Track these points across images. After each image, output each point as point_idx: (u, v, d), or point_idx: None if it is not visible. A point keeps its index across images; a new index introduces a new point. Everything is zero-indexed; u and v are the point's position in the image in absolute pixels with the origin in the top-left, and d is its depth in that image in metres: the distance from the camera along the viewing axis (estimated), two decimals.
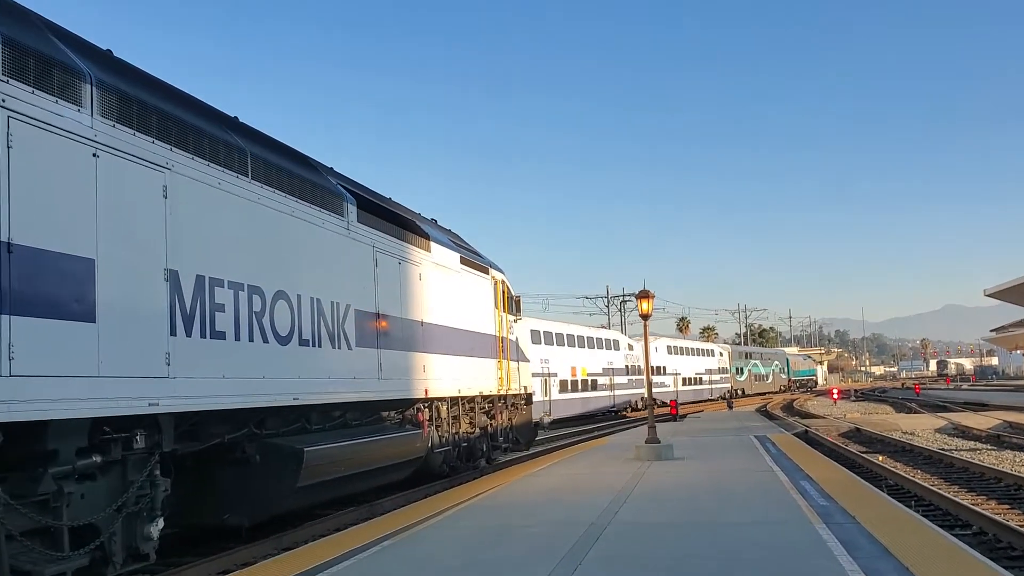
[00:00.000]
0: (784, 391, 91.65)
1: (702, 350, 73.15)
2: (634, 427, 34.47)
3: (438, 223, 18.17)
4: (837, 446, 24.26)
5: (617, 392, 50.36)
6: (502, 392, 18.96)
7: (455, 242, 17.57)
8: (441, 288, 15.61)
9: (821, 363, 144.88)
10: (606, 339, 51.26)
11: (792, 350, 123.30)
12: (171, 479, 8.64)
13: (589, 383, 45.69)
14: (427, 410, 15.11)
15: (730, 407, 48.41)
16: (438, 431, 15.74)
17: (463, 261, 17.09)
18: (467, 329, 16.83)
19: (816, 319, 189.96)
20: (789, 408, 52.70)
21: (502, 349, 19.03)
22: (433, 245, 15.49)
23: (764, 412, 45.73)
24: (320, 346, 10.91)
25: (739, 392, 76.58)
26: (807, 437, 27.47)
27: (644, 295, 19.32)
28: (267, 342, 9.72)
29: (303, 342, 10.48)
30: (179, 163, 8.47)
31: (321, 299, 11.06)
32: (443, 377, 15.29)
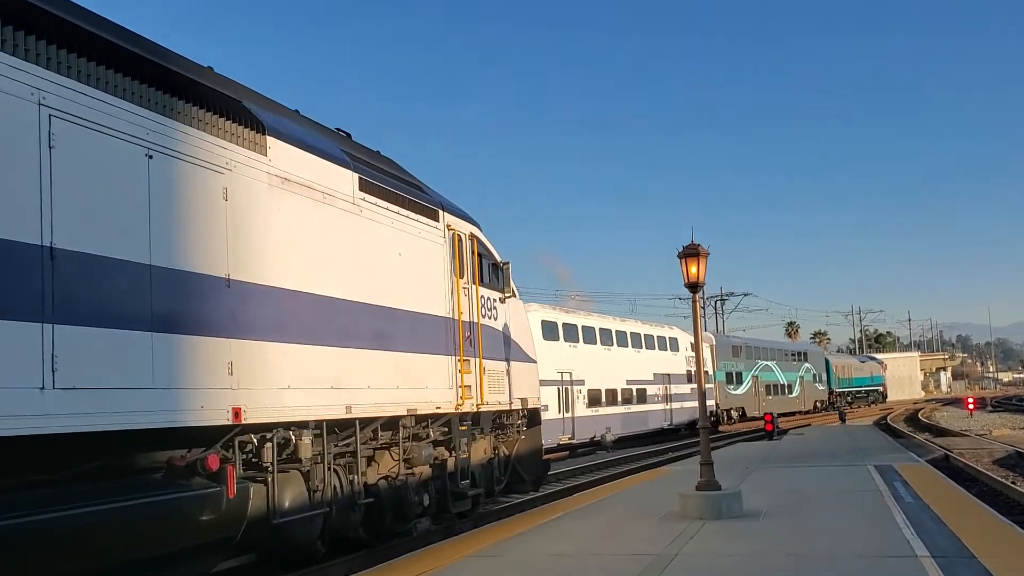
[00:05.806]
0: (822, 409, 60.20)
1: (648, 338, 36.17)
2: (716, 447, 25.43)
3: (363, 145, 11.27)
4: (1000, 483, 16.91)
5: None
6: (466, 409, 11.95)
7: (361, 159, 10.56)
8: (294, 224, 8.69)
9: (945, 369, 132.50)
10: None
11: (912, 355, 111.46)
12: None
13: None
14: (269, 445, 8.31)
15: (843, 420, 40.52)
16: (307, 483, 8.92)
17: (367, 187, 10.12)
18: (373, 303, 9.93)
19: (937, 322, 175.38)
20: (915, 421, 44.48)
21: (467, 340, 12.03)
22: (273, 143, 8.55)
23: (885, 426, 38.65)
24: None
25: (730, 415, 44.67)
26: (949, 466, 20.15)
27: (692, 252, 12.00)
28: None
29: None
30: None
31: None
32: (295, 384, 8.42)
